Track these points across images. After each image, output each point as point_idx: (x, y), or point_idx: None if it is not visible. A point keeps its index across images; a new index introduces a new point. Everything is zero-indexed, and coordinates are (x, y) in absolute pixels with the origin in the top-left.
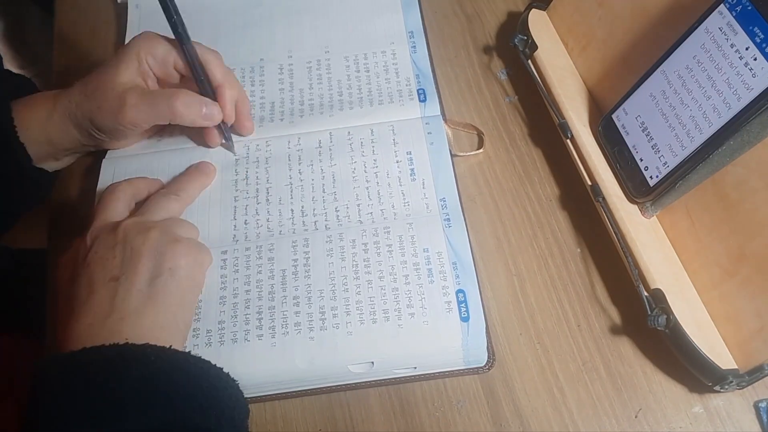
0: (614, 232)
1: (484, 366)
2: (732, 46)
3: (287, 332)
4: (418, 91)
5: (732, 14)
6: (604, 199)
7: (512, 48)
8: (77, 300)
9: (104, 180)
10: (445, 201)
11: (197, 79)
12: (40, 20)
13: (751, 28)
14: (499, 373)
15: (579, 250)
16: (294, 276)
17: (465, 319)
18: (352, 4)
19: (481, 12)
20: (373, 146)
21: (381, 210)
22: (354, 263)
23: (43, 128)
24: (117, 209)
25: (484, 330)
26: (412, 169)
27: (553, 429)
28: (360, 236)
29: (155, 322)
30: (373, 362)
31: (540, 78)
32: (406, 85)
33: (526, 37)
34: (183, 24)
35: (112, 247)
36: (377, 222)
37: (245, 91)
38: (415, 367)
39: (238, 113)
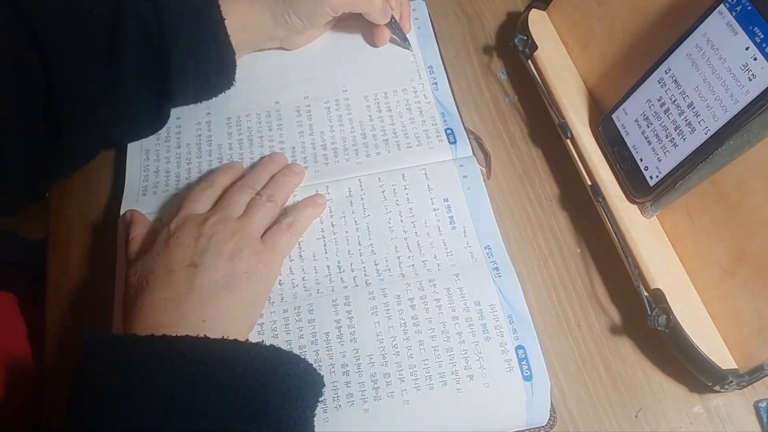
0: (614, 232)
1: (546, 425)
2: (732, 46)
3: (339, 405)
4: (446, 131)
5: (732, 14)
6: (604, 199)
7: (512, 48)
8: (153, 274)
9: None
10: (490, 249)
11: None
12: None
13: (751, 28)
14: None
15: (579, 250)
16: (339, 340)
17: (528, 378)
18: (365, 41)
19: (481, 12)
20: (407, 193)
21: (423, 261)
22: (402, 321)
23: (243, 17)
24: (204, 203)
25: (549, 389)
26: (451, 217)
27: (553, 429)
28: (405, 291)
29: (230, 312)
30: None
31: (540, 78)
32: (432, 125)
33: (526, 37)
34: None
35: (196, 237)
36: (421, 274)
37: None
38: None
39: (401, 13)
